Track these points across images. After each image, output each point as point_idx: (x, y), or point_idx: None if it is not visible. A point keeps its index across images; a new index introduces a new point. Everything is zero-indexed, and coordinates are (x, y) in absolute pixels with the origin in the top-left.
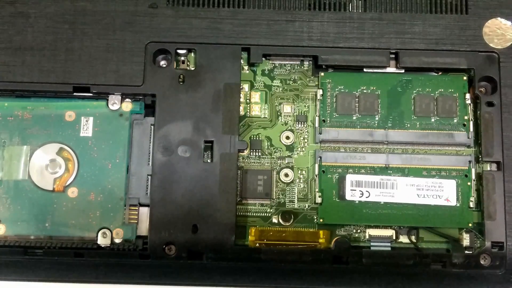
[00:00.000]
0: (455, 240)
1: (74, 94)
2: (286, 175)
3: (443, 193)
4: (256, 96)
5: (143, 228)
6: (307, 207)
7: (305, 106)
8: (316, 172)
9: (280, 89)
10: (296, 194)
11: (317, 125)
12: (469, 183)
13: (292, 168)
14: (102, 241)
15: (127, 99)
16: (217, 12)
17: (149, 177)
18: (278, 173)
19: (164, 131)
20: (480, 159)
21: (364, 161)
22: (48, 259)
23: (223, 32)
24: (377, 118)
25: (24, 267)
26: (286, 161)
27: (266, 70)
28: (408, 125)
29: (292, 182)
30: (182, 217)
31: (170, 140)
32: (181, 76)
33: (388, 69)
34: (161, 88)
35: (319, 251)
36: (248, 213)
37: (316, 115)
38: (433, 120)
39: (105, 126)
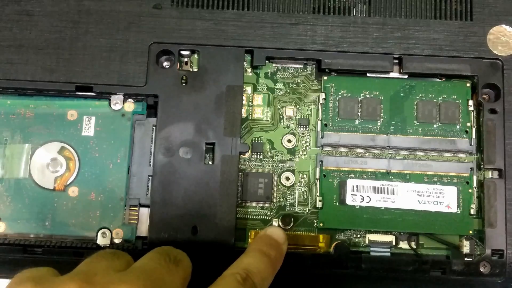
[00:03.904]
0: (455, 247)
1: (77, 93)
2: (287, 178)
3: (444, 200)
4: (258, 99)
5: (143, 228)
6: (307, 211)
7: (307, 109)
8: (317, 176)
9: (283, 92)
10: (296, 197)
11: (319, 129)
12: (470, 190)
13: (293, 171)
14: (102, 241)
15: (129, 99)
16: (221, 14)
17: (150, 177)
18: (279, 176)
19: (166, 132)
20: (482, 166)
21: (365, 166)
22: (47, 258)
23: (226, 34)
24: (379, 123)
25: (23, 265)
26: (287, 165)
27: (269, 73)
28: (410, 131)
29: (293, 185)
30: (182, 218)
31: (171, 141)
32: (184, 77)
33: (392, 74)
34: (164, 89)
35: (318, 256)
36: (248, 216)
37: (318, 119)
38: (435, 126)
39: (107, 126)
